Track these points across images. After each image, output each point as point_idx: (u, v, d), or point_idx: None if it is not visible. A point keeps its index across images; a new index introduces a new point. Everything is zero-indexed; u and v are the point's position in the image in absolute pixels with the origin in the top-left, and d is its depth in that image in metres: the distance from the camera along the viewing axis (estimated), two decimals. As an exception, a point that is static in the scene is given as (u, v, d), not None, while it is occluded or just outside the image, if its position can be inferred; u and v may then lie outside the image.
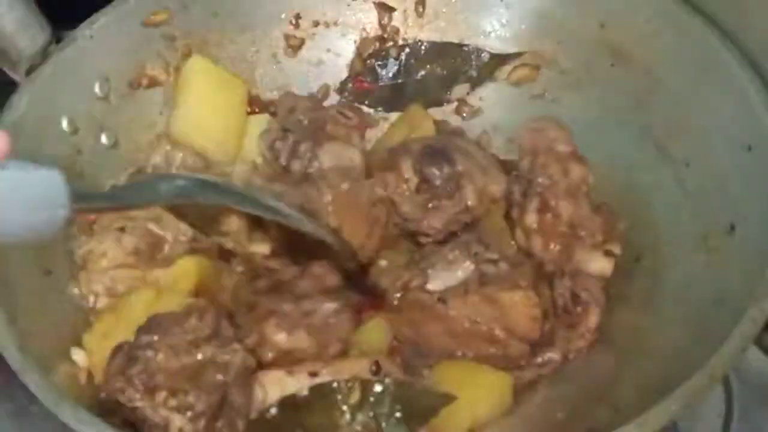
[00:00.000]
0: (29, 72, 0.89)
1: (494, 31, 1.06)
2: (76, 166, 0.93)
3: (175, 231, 0.91)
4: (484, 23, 1.06)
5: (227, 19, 1.04)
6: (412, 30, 1.08)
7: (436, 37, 1.08)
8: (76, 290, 0.87)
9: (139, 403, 0.73)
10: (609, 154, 0.97)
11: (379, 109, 1.09)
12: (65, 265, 0.88)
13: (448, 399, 0.78)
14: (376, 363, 0.78)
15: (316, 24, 1.08)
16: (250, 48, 1.06)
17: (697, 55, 0.87)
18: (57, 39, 0.91)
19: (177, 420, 0.72)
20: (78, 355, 0.82)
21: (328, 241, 0.87)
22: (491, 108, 1.07)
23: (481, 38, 1.06)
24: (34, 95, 0.88)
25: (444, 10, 1.07)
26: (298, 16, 1.07)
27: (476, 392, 0.81)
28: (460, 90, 1.08)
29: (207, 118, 0.99)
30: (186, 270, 0.88)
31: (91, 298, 0.87)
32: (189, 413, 0.72)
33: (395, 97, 1.08)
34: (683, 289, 0.82)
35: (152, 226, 0.90)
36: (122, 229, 0.88)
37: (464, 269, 0.85)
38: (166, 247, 0.90)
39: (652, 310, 0.85)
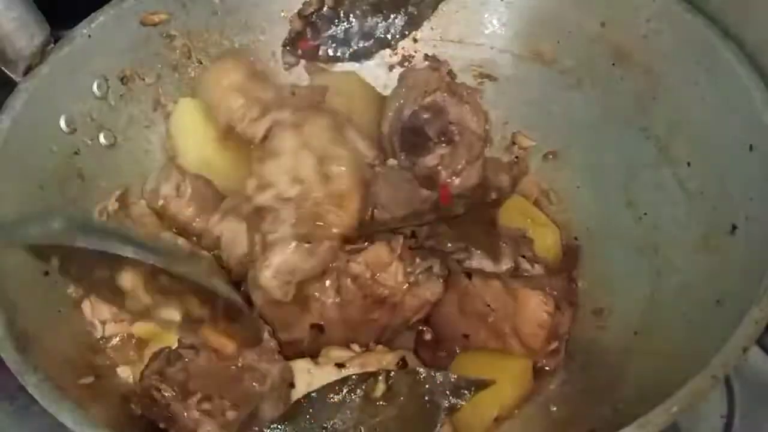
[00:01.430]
0: (27, 71, 0.88)
1: (494, 30, 1.06)
2: (74, 166, 0.92)
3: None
4: (484, 22, 1.06)
5: (226, 18, 1.04)
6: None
7: (436, 36, 1.08)
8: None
9: (172, 402, 0.72)
10: (609, 154, 0.97)
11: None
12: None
13: (483, 384, 0.78)
14: (403, 358, 0.78)
15: (315, 23, 1.08)
16: (250, 47, 1.06)
17: (698, 54, 0.87)
18: (55, 38, 0.91)
19: (207, 424, 0.72)
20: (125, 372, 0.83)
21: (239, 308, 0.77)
22: (496, 106, 1.07)
23: (481, 38, 1.06)
24: (32, 95, 0.88)
25: (443, 9, 1.07)
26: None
27: (501, 380, 0.81)
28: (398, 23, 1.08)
29: (212, 155, 0.97)
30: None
31: (99, 327, 0.86)
32: (220, 419, 0.72)
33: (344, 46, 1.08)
34: (684, 289, 0.82)
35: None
36: None
37: (506, 265, 0.87)
38: None
39: (653, 311, 0.85)
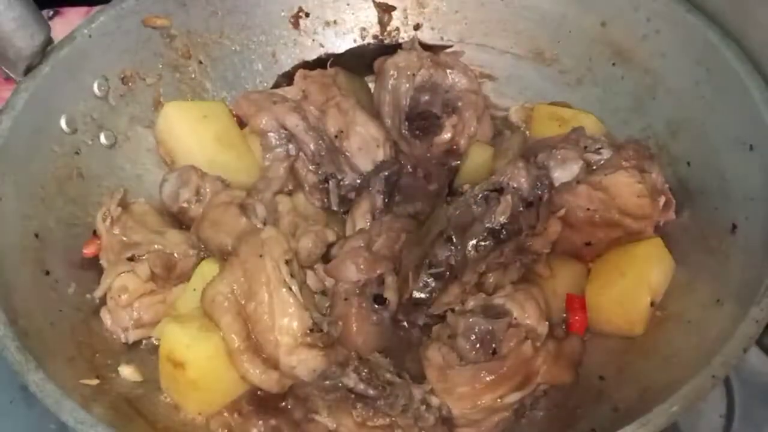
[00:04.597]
0: (27, 71, 0.88)
1: (494, 29, 1.06)
2: (74, 166, 0.92)
3: (182, 247, 0.89)
4: (484, 22, 1.06)
5: (226, 18, 1.04)
6: (411, 29, 1.09)
7: (435, 36, 1.08)
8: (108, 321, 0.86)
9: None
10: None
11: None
12: (65, 266, 0.88)
13: None
14: None
15: (315, 23, 1.08)
16: (249, 47, 1.06)
17: (698, 54, 0.87)
18: (55, 38, 0.91)
19: None
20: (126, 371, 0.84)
21: None
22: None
23: (481, 38, 1.06)
24: (33, 95, 0.88)
25: (444, 9, 1.07)
26: (297, 15, 1.07)
27: (639, 266, 0.86)
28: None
29: (216, 153, 0.97)
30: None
31: (122, 335, 0.86)
32: None
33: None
34: (685, 289, 0.82)
35: (160, 246, 0.88)
36: (132, 258, 0.87)
37: (577, 164, 0.89)
38: (179, 266, 0.89)
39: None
